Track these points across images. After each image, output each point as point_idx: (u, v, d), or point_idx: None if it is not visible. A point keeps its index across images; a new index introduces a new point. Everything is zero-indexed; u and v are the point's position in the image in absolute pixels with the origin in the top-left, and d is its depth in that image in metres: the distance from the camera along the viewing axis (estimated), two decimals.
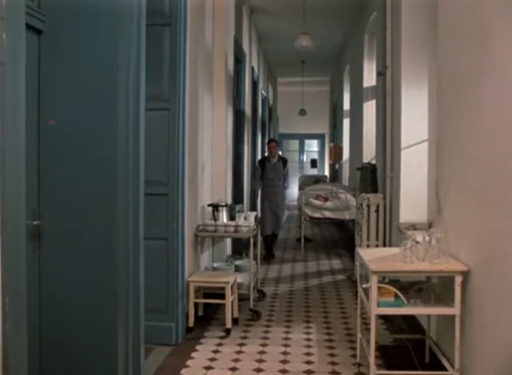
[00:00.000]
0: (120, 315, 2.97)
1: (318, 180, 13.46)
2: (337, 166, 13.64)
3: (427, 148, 4.76)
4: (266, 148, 8.78)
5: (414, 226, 4.58)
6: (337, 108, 13.68)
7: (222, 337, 4.43)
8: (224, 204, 5.17)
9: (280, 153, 10.95)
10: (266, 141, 10.61)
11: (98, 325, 2.93)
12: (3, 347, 1.93)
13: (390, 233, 5.41)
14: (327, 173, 17.76)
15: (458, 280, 3.13)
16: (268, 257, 7.92)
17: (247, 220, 5.19)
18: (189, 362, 3.91)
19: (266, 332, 4.59)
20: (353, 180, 8.89)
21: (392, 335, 4.38)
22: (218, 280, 4.61)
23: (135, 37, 3.01)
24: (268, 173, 8.04)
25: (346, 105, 11.54)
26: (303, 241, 8.65)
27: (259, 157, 11.36)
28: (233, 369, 3.80)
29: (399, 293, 3.24)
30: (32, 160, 2.78)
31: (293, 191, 15.30)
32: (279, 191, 8.11)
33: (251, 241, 4.93)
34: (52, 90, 2.87)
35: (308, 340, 4.41)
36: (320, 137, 20.05)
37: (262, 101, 12.09)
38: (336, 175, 13.93)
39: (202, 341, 4.36)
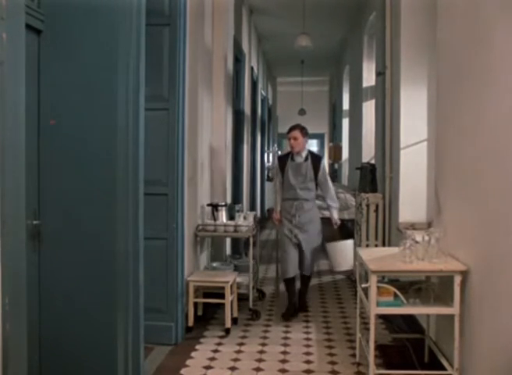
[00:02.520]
0: (120, 314, 2.97)
1: None
2: (336, 166, 13.65)
3: (426, 147, 4.76)
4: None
5: (413, 226, 4.59)
6: (336, 108, 13.67)
7: (221, 337, 4.44)
8: (223, 204, 5.18)
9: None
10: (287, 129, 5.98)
11: (98, 324, 2.93)
12: (3, 347, 1.93)
13: (389, 232, 5.41)
14: None
15: (457, 279, 3.13)
16: (288, 313, 4.97)
17: (247, 220, 5.19)
18: (188, 362, 3.91)
19: (266, 331, 4.60)
20: (353, 179, 8.89)
21: (392, 335, 4.39)
22: (217, 280, 4.61)
23: (135, 37, 3.01)
24: (290, 177, 5.08)
25: (346, 105, 11.54)
26: None
27: (259, 158, 11.18)
28: (233, 368, 3.80)
29: (398, 292, 3.25)
30: (32, 160, 2.78)
31: None
32: (310, 207, 5.07)
33: (251, 240, 4.94)
34: (52, 89, 2.87)
35: (308, 339, 4.41)
36: (319, 136, 20.04)
37: (262, 100, 12.08)
38: (335, 175, 13.93)
39: (202, 340, 4.36)
